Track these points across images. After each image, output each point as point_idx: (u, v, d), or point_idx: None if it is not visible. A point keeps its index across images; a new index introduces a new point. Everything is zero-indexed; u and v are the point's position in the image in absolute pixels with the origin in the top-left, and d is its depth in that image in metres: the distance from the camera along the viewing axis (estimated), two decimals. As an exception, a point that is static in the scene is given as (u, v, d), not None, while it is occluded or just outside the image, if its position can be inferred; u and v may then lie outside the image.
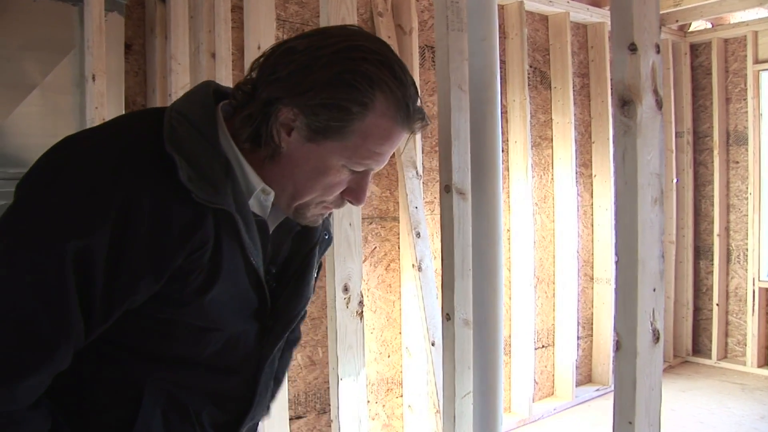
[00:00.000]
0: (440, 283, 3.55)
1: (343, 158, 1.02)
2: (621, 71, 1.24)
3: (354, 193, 1.09)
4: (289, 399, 2.80)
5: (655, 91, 1.25)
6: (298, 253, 1.21)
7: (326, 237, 1.26)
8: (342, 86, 0.97)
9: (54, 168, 0.95)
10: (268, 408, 1.27)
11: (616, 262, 1.28)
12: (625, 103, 1.24)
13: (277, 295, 1.15)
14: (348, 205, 1.12)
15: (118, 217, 0.90)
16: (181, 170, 0.93)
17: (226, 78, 2.67)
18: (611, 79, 4.64)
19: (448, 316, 1.77)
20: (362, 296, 2.14)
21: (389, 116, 1.01)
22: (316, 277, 1.28)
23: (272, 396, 1.28)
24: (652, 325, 1.26)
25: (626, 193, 1.25)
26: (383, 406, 3.72)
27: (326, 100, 0.97)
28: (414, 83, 1.04)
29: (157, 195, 0.93)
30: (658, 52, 1.26)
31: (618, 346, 1.26)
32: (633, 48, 1.22)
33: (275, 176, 1.05)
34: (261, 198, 1.07)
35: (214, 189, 0.96)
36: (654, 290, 1.26)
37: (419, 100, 1.05)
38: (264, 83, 1.00)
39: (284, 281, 1.18)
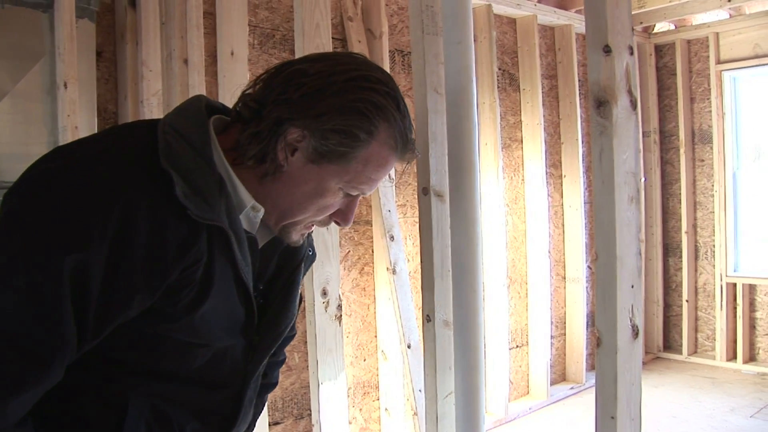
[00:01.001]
0: (416, 285, 3.56)
1: (342, 182, 1.05)
2: (596, 73, 1.26)
3: (343, 215, 1.12)
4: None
5: (630, 92, 1.28)
6: (284, 269, 1.21)
7: (310, 253, 1.28)
8: (354, 113, 0.99)
9: (48, 179, 0.93)
10: (252, 424, 1.27)
11: (593, 261, 1.30)
12: (601, 104, 1.26)
13: (263, 311, 1.15)
14: None
15: (116, 231, 0.89)
16: (177, 186, 0.93)
17: (199, 84, 2.66)
18: (580, 80, 4.74)
19: (428, 318, 1.78)
20: (341, 299, 2.15)
21: (390, 146, 1.04)
22: None
23: (256, 411, 1.27)
24: (631, 321, 1.28)
25: (603, 192, 1.27)
26: (360, 409, 3.72)
27: (338, 126, 0.99)
28: (409, 115, 1.07)
29: (154, 210, 0.92)
30: (632, 53, 1.29)
31: (599, 343, 1.28)
32: (607, 50, 1.25)
33: (270, 193, 1.06)
34: (250, 214, 1.07)
35: (209, 205, 0.96)
36: (632, 287, 1.28)
37: (414, 132, 1.08)
38: (273, 103, 1.01)
39: (271, 298, 1.18)
